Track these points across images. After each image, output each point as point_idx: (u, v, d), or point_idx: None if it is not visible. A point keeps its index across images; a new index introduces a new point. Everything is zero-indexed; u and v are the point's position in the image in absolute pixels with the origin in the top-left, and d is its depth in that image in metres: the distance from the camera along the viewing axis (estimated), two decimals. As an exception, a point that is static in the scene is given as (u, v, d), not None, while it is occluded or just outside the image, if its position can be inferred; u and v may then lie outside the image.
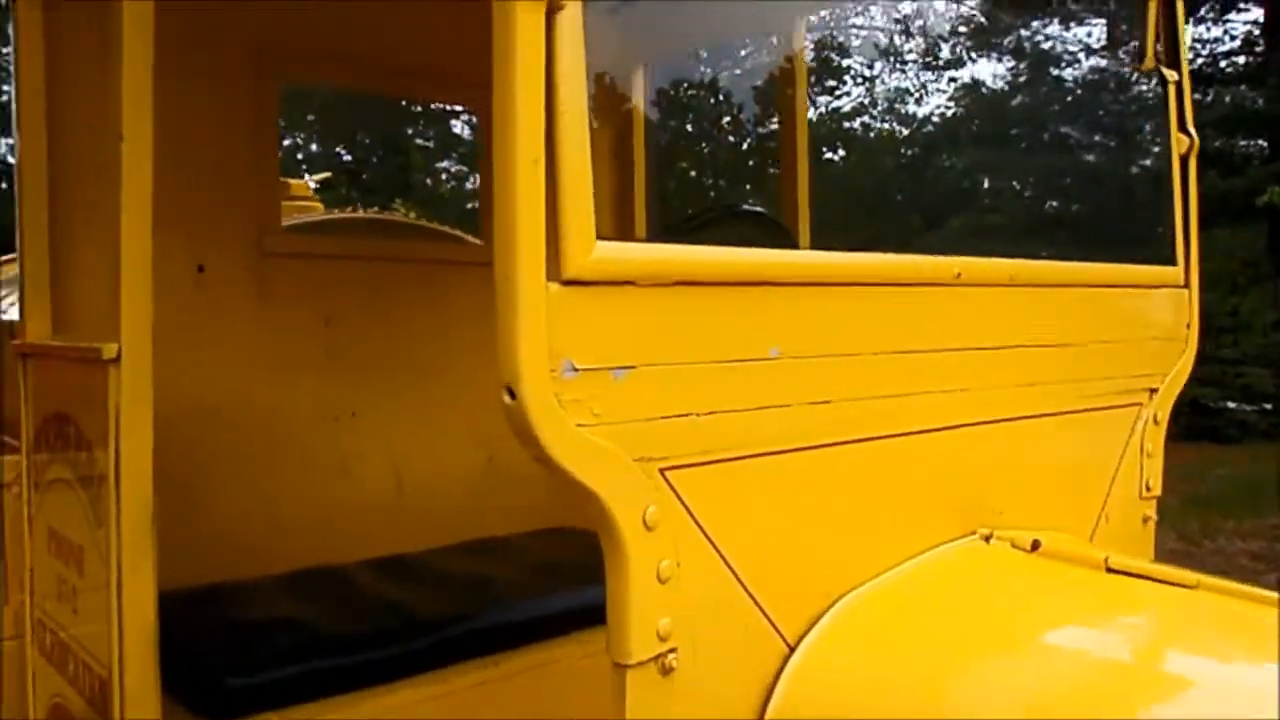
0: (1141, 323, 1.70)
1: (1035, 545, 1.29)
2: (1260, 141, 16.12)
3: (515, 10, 0.87)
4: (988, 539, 1.33)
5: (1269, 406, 13.12)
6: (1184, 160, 1.77)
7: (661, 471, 0.98)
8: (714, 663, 1.04)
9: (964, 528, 1.34)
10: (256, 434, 2.31)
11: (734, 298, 1.03)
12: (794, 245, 2.18)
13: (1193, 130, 1.78)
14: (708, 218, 1.95)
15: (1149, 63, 1.74)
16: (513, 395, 0.89)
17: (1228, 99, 15.90)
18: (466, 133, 15.92)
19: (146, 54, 1.47)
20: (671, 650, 0.99)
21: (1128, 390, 1.65)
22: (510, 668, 2.00)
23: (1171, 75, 1.75)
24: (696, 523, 1.01)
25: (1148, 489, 1.70)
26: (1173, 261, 1.77)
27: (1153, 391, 1.70)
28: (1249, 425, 12.53)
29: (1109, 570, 1.21)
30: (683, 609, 1.00)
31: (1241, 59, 16.98)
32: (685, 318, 1.00)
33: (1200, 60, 17.84)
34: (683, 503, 1.00)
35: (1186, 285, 1.77)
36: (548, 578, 2.23)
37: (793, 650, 1.12)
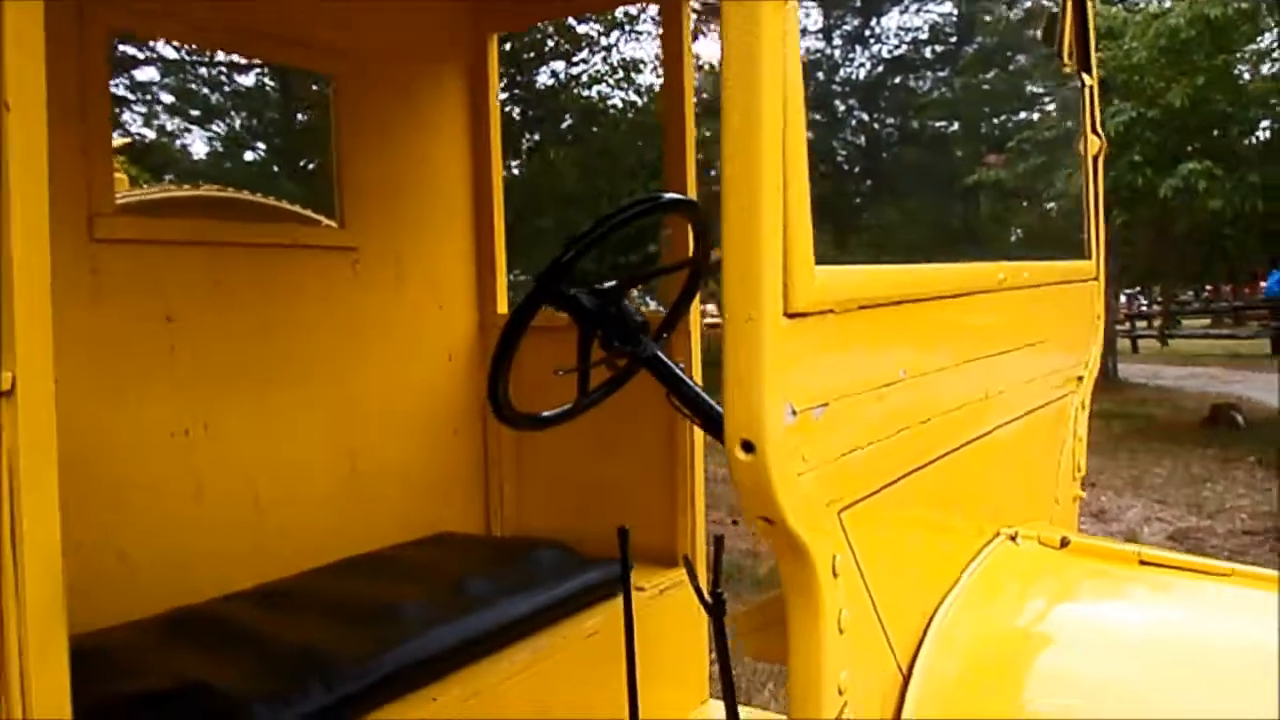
0: (1074, 316, 1.81)
1: (1064, 543, 1.33)
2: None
3: (761, 9, 0.72)
4: (1014, 539, 1.36)
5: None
6: (1095, 160, 1.90)
7: (839, 514, 0.89)
8: (861, 705, 0.98)
9: (992, 529, 1.36)
10: (92, 457, 1.92)
11: (901, 317, 0.96)
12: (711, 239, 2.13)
13: (1101, 132, 1.91)
14: (638, 210, 1.84)
15: (1069, 67, 1.84)
16: (749, 449, 0.75)
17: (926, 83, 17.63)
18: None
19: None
20: (846, 704, 0.91)
21: (1067, 380, 1.75)
22: (447, 700, 1.82)
23: (1087, 79, 1.87)
24: (857, 563, 0.94)
25: (1079, 470, 1.83)
26: (1084, 256, 1.90)
27: (1080, 379, 1.82)
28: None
29: (1141, 564, 1.27)
30: (852, 658, 0.92)
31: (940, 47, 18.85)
32: (865, 343, 0.91)
33: (904, 47, 19.64)
34: (849, 544, 0.92)
35: (1097, 278, 1.91)
36: (455, 597, 2.05)
37: (908, 678, 1.07)
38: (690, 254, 2.03)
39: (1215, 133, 8.81)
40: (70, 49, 1.84)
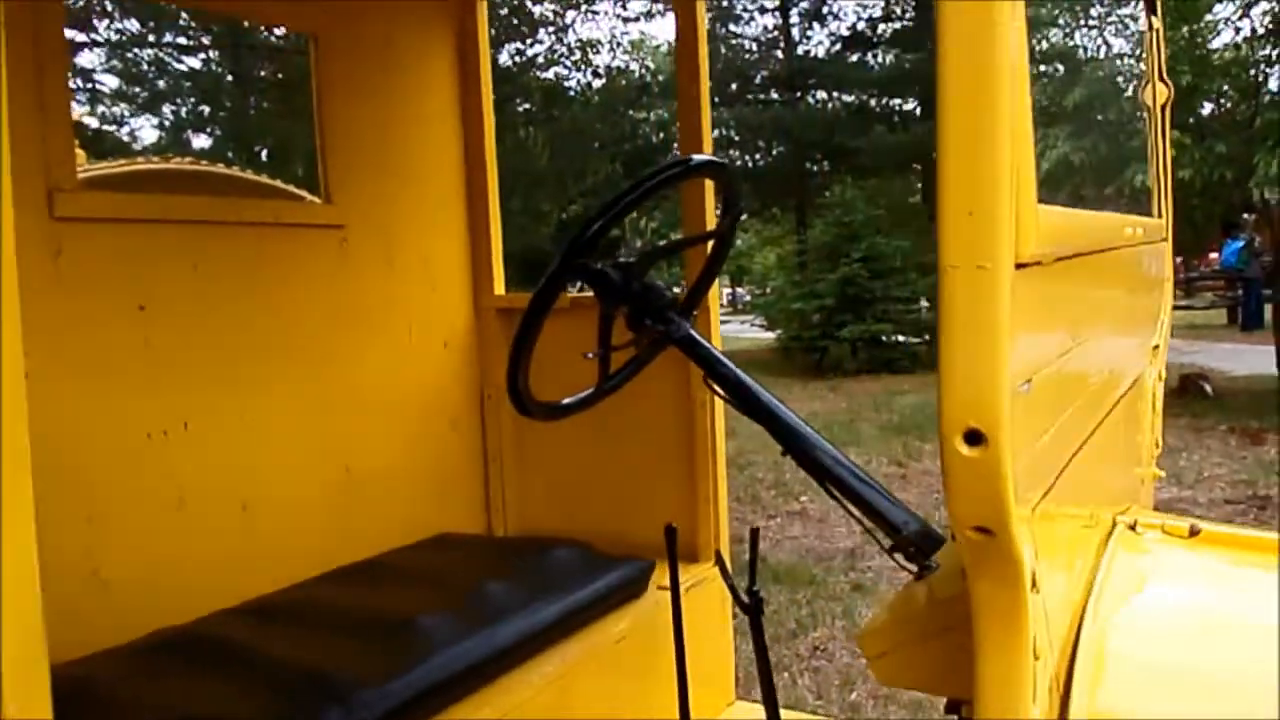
0: (1151, 278, 1.67)
1: (1194, 531, 1.19)
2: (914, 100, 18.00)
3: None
4: (1133, 527, 1.21)
5: (930, 338, 14.80)
6: (1162, 110, 1.76)
7: (1032, 514, 0.73)
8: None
9: (1107, 516, 1.21)
10: (64, 463, 1.69)
11: (1079, 272, 0.79)
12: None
13: (1168, 80, 1.77)
14: (668, 174, 1.66)
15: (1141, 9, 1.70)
16: (976, 441, 0.58)
17: (889, 60, 17.55)
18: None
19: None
20: (1034, 739, 0.75)
21: (1148, 347, 1.61)
22: (475, 722, 1.64)
23: (1155, 22, 1.72)
24: (1040, 573, 0.78)
25: (1156, 445, 1.69)
26: (1153, 214, 1.76)
27: (1155, 348, 1.68)
28: (918, 356, 14.08)
29: (1286, 554, 1.13)
30: (1041, 685, 0.76)
31: (897, 24, 18.79)
32: (1057, 302, 0.74)
33: (862, 24, 19.54)
34: (1037, 551, 0.76)
35: (1167, 238, 1.77)
36: (472, 605, 1.86)
37: (1066, 696, 0.91)
38: (716, 225, 1.86)
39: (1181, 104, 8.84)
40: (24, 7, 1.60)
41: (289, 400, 2.17)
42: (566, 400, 1.73)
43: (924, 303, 14.56)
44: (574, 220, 14.40)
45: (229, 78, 13.94)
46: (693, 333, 1.70)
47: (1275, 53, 8.96)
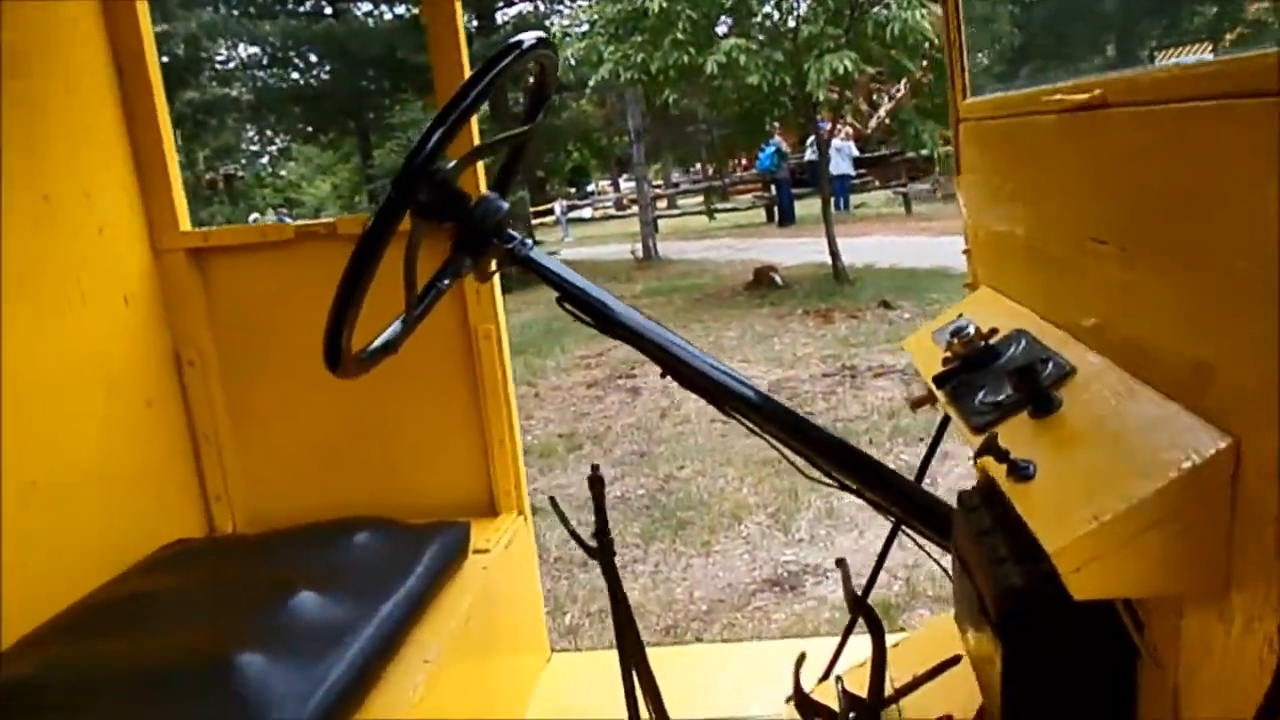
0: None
1: None
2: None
3: None
4: None
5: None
6: None
7: None
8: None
9: None
10: None
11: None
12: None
13: None
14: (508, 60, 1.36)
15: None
16: None
17: None
18: None
19: None
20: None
21: None
22: None
23: None
24: None
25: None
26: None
27: None
28: (511, 276, 14.27)
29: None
30: None
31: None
32: None
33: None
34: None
35: None
36: (286, 633, 1.45)
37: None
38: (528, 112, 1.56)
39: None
40: None
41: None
42: (375, 343, 1.37)
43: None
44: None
45: None
46: (533, 254, 1.44)
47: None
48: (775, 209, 18.80)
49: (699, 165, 29.15)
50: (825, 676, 1.81)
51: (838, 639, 1.73)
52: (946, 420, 1.67)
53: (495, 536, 1.95)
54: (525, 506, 2.09)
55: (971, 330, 1.33)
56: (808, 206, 18.33)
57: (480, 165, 1.90)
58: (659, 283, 12.80)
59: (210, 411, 2.12)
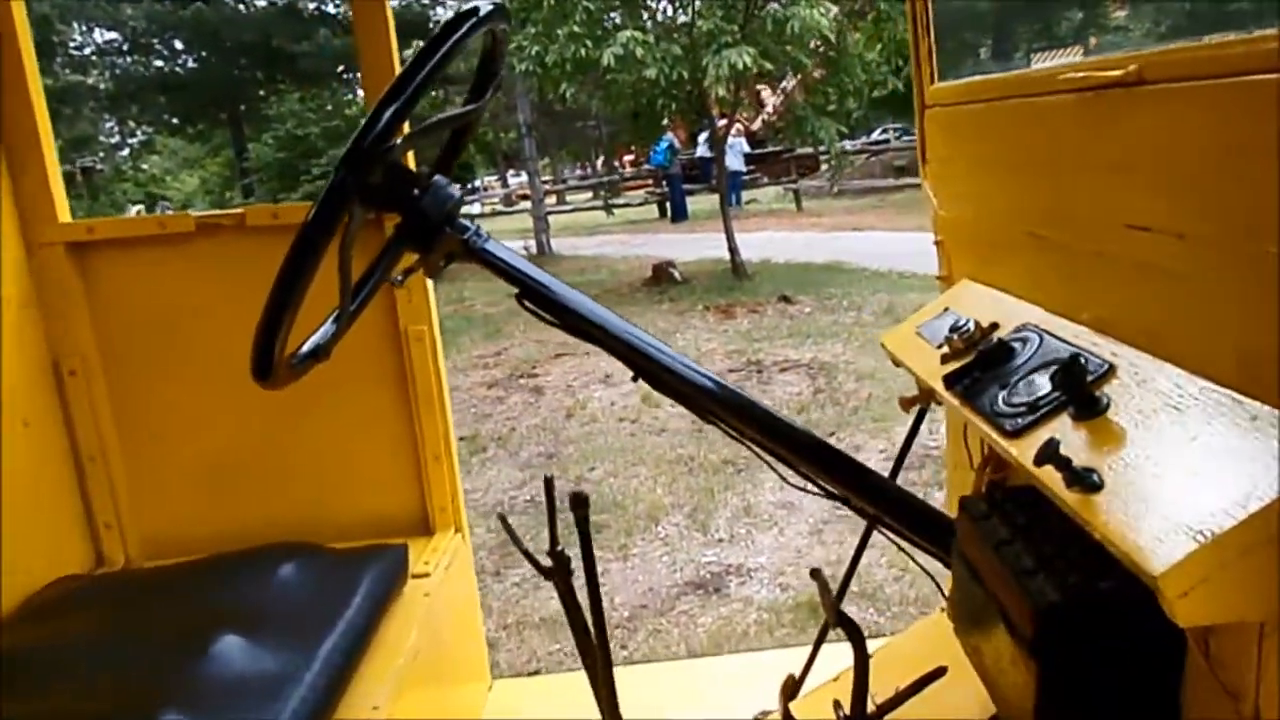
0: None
1: None
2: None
3: None
4: None
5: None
6: None
7: None
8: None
9: None
10: None
11: None
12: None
13: None
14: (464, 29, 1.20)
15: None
16: None
17: None
18: None
19: None
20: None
21: None
22: None
23: None
24: None
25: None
26: None
27: None
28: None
29: None
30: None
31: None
32: None
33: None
34: None
35: None
36: (214, 686, 1.26)
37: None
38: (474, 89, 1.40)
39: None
40: None
41: None
42: (307, 345, 1.18)
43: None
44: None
45: None
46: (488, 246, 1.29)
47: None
48: (668, 205, 18.82)
49: (587, 161, 29.01)
50: (795, 692, 1.71)
51: (805, 649, 1.63)
52: (920, 419, 1.59)
53: (434, 558, 1.78)
54: (463, 523, 1.92)
55: (971, 326, 1.25)
56: (699, 202, 18.42)
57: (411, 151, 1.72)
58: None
59: (96, 428, 1.87)
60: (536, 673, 3.18)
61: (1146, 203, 0.96)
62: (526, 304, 1.30)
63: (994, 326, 1.23)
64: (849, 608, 1.30)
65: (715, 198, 11.52)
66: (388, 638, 1.49)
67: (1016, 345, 1.14)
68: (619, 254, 14.67)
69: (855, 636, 1.23)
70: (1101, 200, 1.05)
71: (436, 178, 1.23)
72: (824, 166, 20.22)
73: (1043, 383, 1.02)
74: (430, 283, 1.84)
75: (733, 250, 10.35)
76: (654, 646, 3.41)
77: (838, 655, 1.66)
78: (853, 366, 6.60)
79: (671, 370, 1.29)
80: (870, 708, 1.27)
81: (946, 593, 1.48)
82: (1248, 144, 0.81)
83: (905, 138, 22.30)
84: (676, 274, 10.53)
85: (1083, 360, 0.97)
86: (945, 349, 1.26)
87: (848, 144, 16.83)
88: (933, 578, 1.52)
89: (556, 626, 3.59)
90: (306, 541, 1.63)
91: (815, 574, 1.35)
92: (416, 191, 1.20)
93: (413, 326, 1.83)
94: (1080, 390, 0.94)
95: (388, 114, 1.05)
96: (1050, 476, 0.88)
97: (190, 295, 1.81)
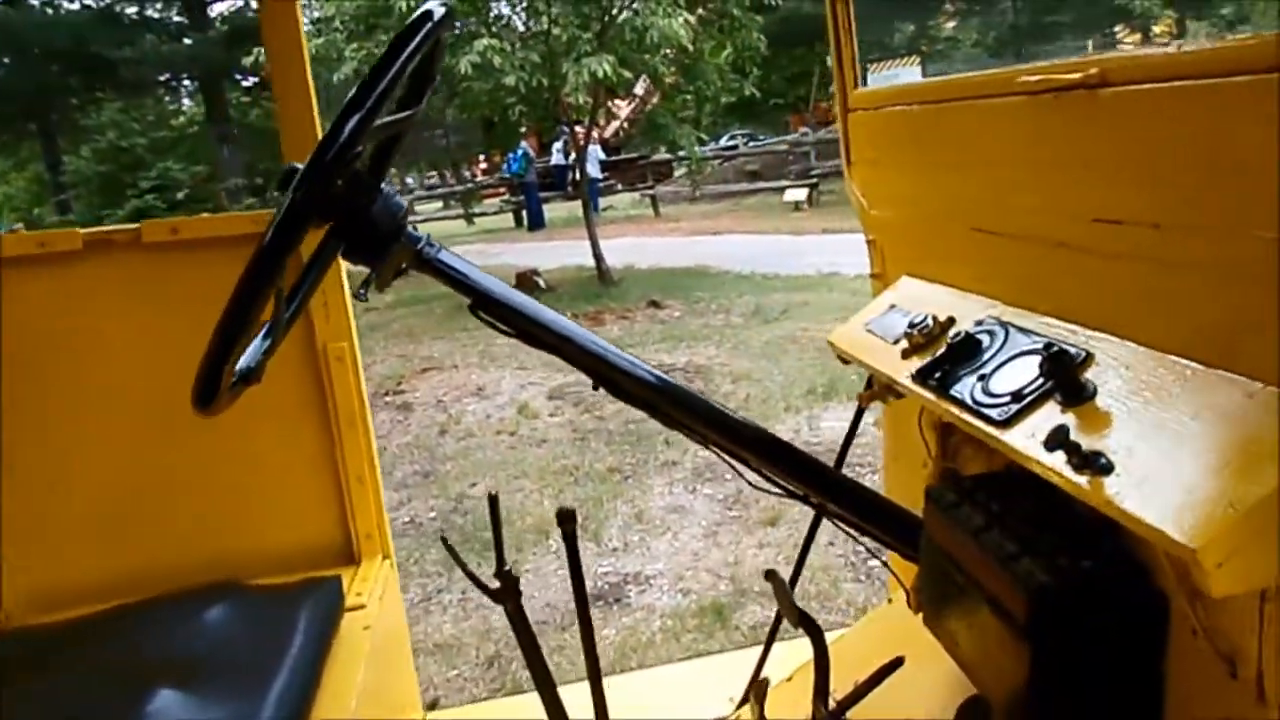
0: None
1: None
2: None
3: None
4: None
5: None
6: None
7: None
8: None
9: None
10: None
11: None
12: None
13: None
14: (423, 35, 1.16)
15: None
16: None
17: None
18: None
19: None
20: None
21: None
22: None
23: None
24: None
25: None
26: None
27: None
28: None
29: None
30: None
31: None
32: None
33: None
34: None
35: None
36: None
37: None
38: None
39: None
40: None
41: None
42: (244, 362, 1.10)
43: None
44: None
45: None
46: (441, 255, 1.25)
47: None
48: (524, 213, 18.67)
49: (435, 170, 28.42)
50: (748, 695, 1.71)
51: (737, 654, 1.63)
52: (861, 413, 1.62)
53: (365, 588, 1.68)
54: (390, 550, 1.82)
55: (930, 321, 1.28)
56: (555, 210, 18.36)
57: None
58: (415, 291, 12.27)
59: None
60: (435, 703, 3.06)
61: (1116, 197, 1.00)
62: (481, 314, 1.27)
63: (950, 321, 1.26)
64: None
65: (571, 205, 11.55)
66: (332, 679, 1.39)
67: (983, 338, 1.17)
68: (479, 264, 14.36)
69: (815, 635, 1.24)
70: (1061, 196, 1.09)
71: (385, 186, 1.17)
72: (677, 173, 20.56)
73: (1024, 372, 1.05)
74: (348, 298, 1.75)
75: (598, 257, 10.37)
76: (559, 663, 3.35)
77: (779, 654, 1.67)
78: (728, 368, 6.71)
79: (634, 377, 1.27)
80: (830, 704, 1.29)
81: (907, 585, 1.51)
82: (1221, 139, 0.86)
83: (753, 143, 22.97)
84: (542, 282, 10.46)
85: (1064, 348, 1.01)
86: (904, 344, 1.29)
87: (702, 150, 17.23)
88: (888, 566, 1.55)
89: (452, 652, 3.48)
90: (229, 580, 1.51)
91: (771, 575, 1.35)
92: (364, 202, 1.14)
93: (332, 344, 1.72)
94: (1067, 377, 0.97)
95: (352, 123, 0.99)
96: (1055, 461, 0.90)
97: (79, 319, 1.65)
